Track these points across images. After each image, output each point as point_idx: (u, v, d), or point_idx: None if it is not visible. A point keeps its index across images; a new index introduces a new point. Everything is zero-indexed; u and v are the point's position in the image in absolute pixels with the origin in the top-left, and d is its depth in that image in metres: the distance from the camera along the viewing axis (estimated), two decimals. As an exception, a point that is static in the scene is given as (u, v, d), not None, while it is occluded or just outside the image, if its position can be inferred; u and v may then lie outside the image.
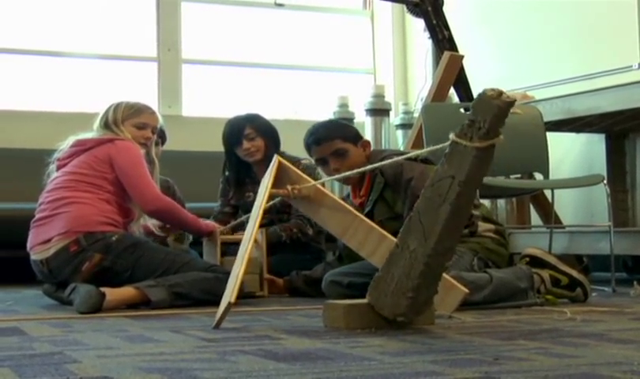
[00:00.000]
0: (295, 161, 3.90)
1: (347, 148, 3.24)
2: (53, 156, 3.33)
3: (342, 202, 2.66)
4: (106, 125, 3.31)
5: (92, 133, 3.32)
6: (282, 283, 3.55)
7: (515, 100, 1.94)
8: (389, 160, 2.81)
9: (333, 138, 3.25)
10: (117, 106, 3.35)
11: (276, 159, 2.64)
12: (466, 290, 2.47)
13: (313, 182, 2.58)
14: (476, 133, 1.92)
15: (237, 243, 3.40)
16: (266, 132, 3.88)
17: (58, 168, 3.28)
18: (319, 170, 3.86)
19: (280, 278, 3.55)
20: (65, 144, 3.31)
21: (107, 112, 3.34)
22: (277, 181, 2.59)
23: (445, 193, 1.99)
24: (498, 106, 1.89)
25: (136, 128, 3.32)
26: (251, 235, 2.42)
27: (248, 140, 3.82)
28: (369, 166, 2.79)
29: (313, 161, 3.89)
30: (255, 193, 3.93)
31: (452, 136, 1.97)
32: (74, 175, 3.19)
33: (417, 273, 2.05)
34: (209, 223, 3.48)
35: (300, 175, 2.62)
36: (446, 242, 2.05)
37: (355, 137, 3.31)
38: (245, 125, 3.84)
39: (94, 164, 3.19)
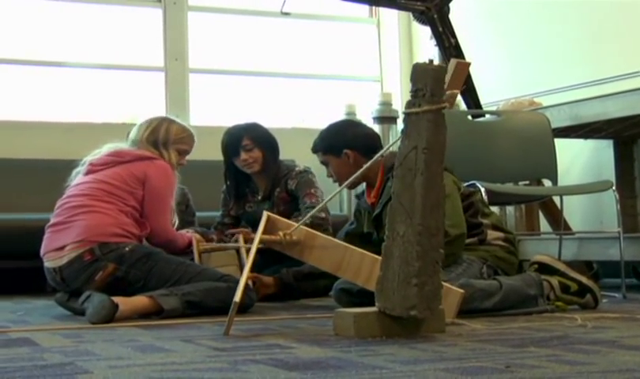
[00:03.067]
0: (291, 168, 3.92)
1: (327, 160, 3.33)
2: (84, 159, 3.32)
3: (331, 238, 2.75)
4: (155, 143, 3.32)
5: (126, 144, 3.33)
6: (272, 280, 3.56)
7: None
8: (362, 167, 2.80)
9: (316, 151, 3.38)
10: (169, 126, 3.36)
11: (265, 215, 2.73)
12: (461, 291, 2.51)
13: (296, 225, 2.66)
14: (422, 100, 2.10)
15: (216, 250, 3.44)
16: (264, 142, 3.85)
17: (88, 173, 3.27)
18: (311, 175, 3.89)
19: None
20: (100, 151, 3.32)
21: (157, 129, 3.34)
22: (268, 232, 2.70)
23: (414, 166, 2.11)
24: (433, 70, 2.12)
25: (178, 153, 3.36)
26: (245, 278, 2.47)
27: (246, 152, 3.81)
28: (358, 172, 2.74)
29: (309, 167, 3.92)
30: (255, 203, 3.94)
31: (402, 111, 2.16)
32: (103, 184, 3.19)
33: (414, 256, 2.10)
34: (186, 234, 3.47)
35: (290, 224, 2.71)
36: (430, 219, 2.11)
37: (337, 149, 3.30)
38: (242, 136, 3.81)
39: (127, 178, 3.20)
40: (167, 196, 3.26)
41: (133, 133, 3.37)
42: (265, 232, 2.68)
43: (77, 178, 3.29)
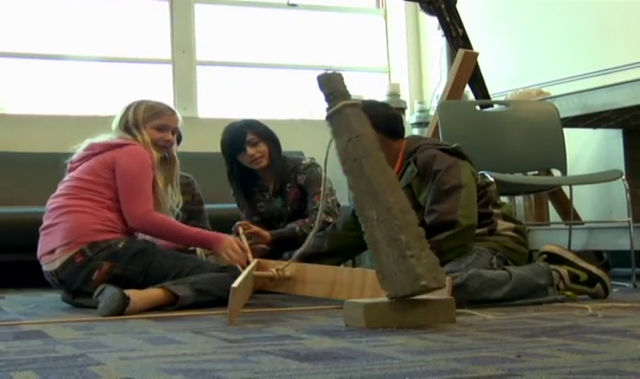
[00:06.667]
0: (298, 162, 3.88)
1: None
2: (68, 158, 3.30)
3: (319, 265, 2.78)
4: (126, 127, 3.23)
5: (109, 135, 3.26)
6: (269, 235, 3.55)
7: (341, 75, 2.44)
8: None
9: None
10: (137, 107, 3.27)
11: (255, 262, 2.84)
12: (450, 276, 2.59)
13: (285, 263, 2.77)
14: (337, 100, 2.38)
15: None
16: (267, 136, 3.79)
17: (70, 171, 3.25)
18: (319, 169, 3.84)
19: None
20: (80, 147, 3.28)
21: (126, 113, 3.26)
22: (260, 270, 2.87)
23: (356, 154, 2.29)
24: (333, 76, 2.44)
25: (156, 130, 3.26)
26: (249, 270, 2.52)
27: (252, 146, 3.73)
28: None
29: (313, 158, 3.88)
30: (265, 201, 3.91)
31: (325, 119, 2.41)
32: (78, 181, 3.15)
33: (397, 230, 2.18)
34: (219, 234, 3.20)
35: (279, 263, 2.86)
36: (393, 197, 2.22)
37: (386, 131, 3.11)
38: (246, 132, 3.72)
39: (99, 170, 3.14)
40: (139, 176, 3.11)
41: (112, 126, 3.32)
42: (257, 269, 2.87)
43: (64, 179, 3.27)
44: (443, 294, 2.47)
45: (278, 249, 3.59)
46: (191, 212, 3.94)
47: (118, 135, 3.24)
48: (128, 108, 3.28)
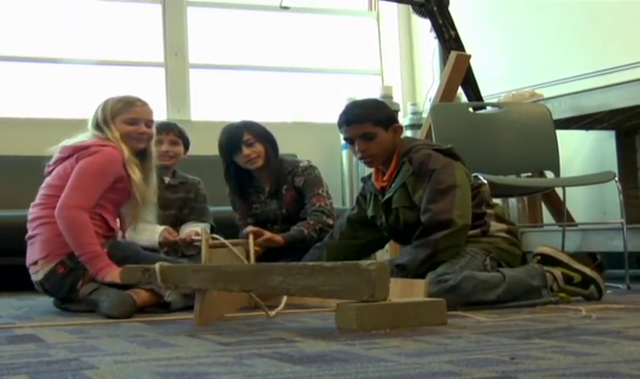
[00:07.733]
0: (295, 164, 3.87)
1: (375, 133, 3.09)
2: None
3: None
4: (97, 125, 3.16)
5: (84, 135, 3.18)
6: (281, 238, 3.55)
7: None
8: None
9: (362, 121, 3.10)
10: (106, 104, 3.19)
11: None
12: (426, 281, 2.66)
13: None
14: None
15: None
16: (264, 137, 3.79)
17: (47, 175, 3.20)
18: (317, 171, 3.84)
19: None
20: (56, 148, 3.19)
21: (96, 111, 3.19)
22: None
23: None
24: None
25: (127, 124, 3.15)
26: None
27: (247, 146, 3.73)
28: None
29: (311, 162, 3.88)
30: (260, 203, 3.89)
31: None
32: (50, 189, 3.11)
33: (301, 267, 2.32)
34: (109, 267, 2.96)
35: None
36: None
37: (387, 121, 3.14)
38: (242, 132, 3.72)
39: (64, 175, 3.06)
40: (90, 176, 3.01)
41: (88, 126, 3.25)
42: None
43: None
44: (420, 294, 2.53)
45: (289, 252, 3.57)
46: (192, 209, 3.94)
47: (91, 134, 3.16)
48: (98, 106, 3.21)
